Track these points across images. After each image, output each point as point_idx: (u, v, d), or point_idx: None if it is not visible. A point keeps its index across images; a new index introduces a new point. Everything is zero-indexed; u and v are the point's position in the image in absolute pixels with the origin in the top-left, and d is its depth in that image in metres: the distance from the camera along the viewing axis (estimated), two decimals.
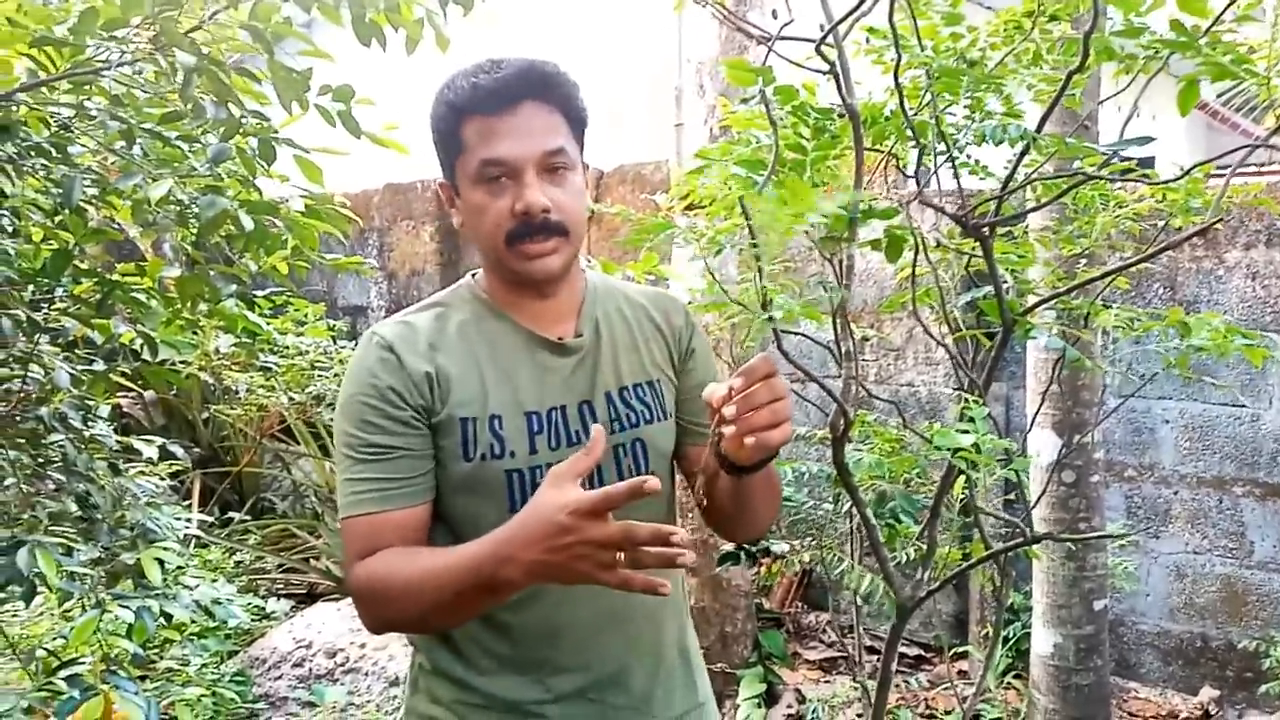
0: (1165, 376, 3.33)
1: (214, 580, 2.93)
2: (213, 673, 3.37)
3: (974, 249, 1.34)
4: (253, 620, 3.84)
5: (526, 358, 1.22)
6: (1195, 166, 1.23)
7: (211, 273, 1.60)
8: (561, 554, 0.92)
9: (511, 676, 1.21)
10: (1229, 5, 1.14)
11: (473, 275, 1.29)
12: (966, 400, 1.28)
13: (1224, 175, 1.34)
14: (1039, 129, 1.19)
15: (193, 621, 2.21)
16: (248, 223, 1.41)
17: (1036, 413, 2.82)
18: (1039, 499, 2.81)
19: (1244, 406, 3.27)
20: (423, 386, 1.16)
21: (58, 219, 1.59)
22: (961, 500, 1.64)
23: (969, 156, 1.33)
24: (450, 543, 1.11)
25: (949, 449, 1.12)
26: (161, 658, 3.31)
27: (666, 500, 1.34)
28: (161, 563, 1.79)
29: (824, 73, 1.16)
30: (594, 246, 4.67)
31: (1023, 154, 1.23)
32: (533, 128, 1.15)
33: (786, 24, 1.19)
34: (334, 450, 1.20)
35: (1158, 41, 1.10)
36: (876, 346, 3.92)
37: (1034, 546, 1.46)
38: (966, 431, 1.13)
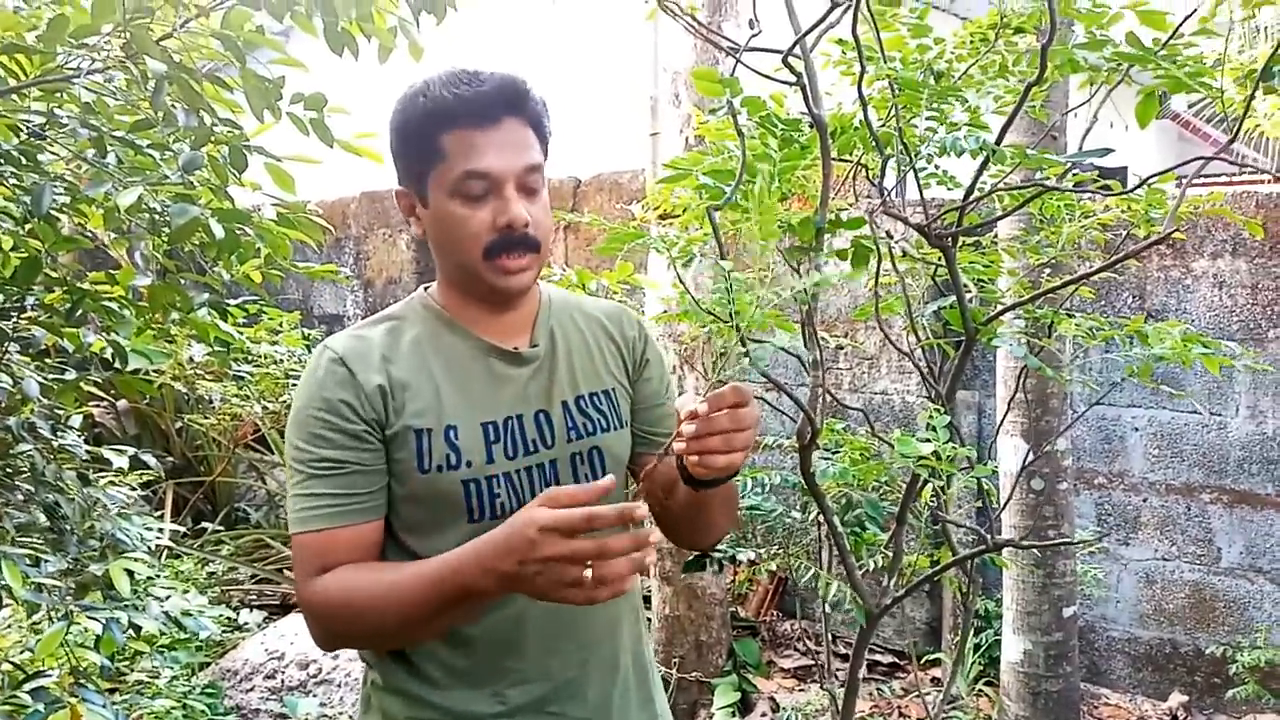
0: (1134, 385, 3.37)
1: (185, 591, 2.90)
2: (183, 685, 3.34)
3: (940, 259, 1.35)
4: (224, 632, 3.80)
5: (482, 368, 1.22)
6: (1151, 177, 1.26)
7: (184, 281, 1.60)
8: (530, 567, 0.94)
9: (467, 690, 1.21)
10: (1186, 19, 1.17)
11: (424, 288, 1.29)
12: (931, 409, 1.30)
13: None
14: (999, 140, 1.21)
15: (163, 633, 2.19)
16: (219, 231, 1.41)
17: (1002, 420, 2.85)
18: (1004, 505, 2.84)
19: (1212, 414, 3.32)
20: (375, 400, 1.15)
21: (28, 227, 1.58)
22: (929, 508, 1.66)
23: (937, 167, 1.35)
24: (403, 556, 1.11)
25: (912, 457, 1.14)
26: (131, 670, 3.28)
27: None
28: (131, 574, 1.78)
29: (791, 84, 1.18)
30: (570, 255, 4.68)
31: (983, 165, 1.25)
32: (515, 143, 1.16)
33: (754, 35, 1.21)
34: (285, 463, 1.18)
35: (1118, 54, 1.12)
36: (850, 355, 3.95)
37: (1003, 554, 1.48)
38: (928, 440, 1.15)
